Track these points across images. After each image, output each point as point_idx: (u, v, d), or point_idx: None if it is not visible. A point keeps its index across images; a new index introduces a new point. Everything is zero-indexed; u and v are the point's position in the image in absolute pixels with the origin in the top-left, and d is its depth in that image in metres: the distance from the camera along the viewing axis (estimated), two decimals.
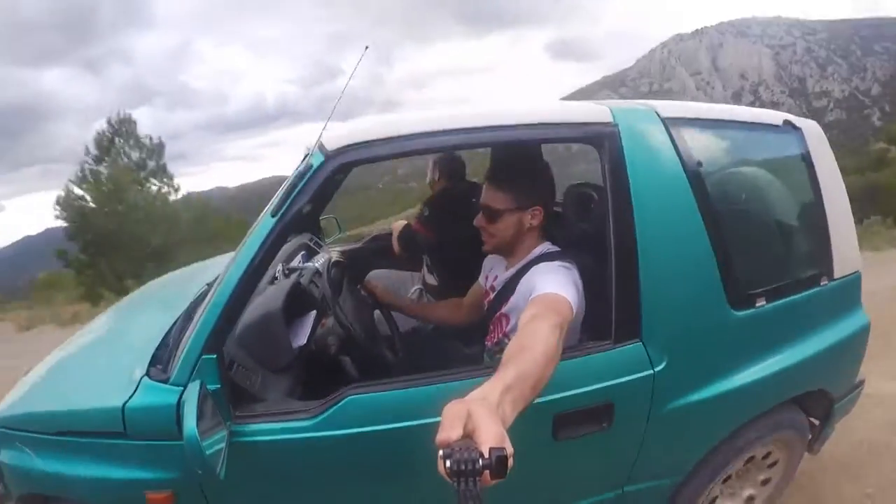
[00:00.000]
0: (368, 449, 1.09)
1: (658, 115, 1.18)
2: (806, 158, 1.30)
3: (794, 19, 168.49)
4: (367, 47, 1.26)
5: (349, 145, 1.07)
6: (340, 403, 1.07)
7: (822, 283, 1.33)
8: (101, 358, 1.47)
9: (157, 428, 1.08)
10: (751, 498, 1.56)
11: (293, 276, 1.55)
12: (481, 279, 1.52)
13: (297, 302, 1.44)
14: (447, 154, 2.11)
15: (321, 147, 1.07)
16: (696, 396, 1.22)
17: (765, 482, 1.57)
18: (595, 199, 1.38)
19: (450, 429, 0.55)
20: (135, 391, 1.13)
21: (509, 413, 0.65)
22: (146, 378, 1.15)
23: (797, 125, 1.31)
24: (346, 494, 1.16)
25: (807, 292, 1.31)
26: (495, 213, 1.26)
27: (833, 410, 1.49)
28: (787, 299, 1.28)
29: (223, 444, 1.01)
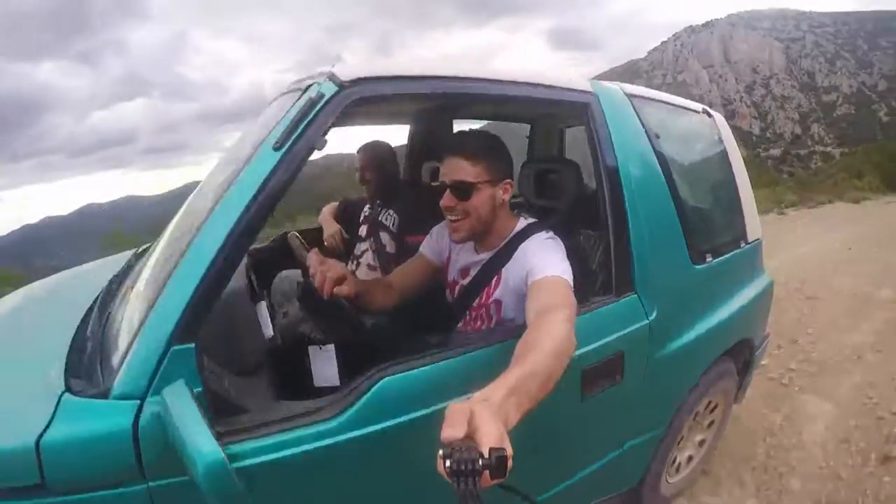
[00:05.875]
0: (414, 440, 0.87)
1: (624, 92, 1.33)
2: (720, 141, 1.60)
3: (800, 12, 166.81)
4: (338, 55, 1.17)
5: (370, 77, 0.91)
6: (372, 391, 0.86)
7: (741, 246, 1.61)
8: None
9: (101, 470, 0.74)
10: (702, 441, 1.80)
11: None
12: (429, 254, 1.36)
13: None
14: (372, 143, 1.95)
15: (332, 77, 0.90)
16: (678, 342, 1.35)
17: (710, 425, 1.81)
18: (551, 173, 1.47)
19: (451, 429, 0.55)
20: (52, 416, 0.75)
21: (512, 415, 0.65)
22: (68, 395, 0.79)
23: (711, 114, 1.61)
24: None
25: (734, 252, 1.58)
26: (469, 187, 1.11)
27: (753, 359, 1.76)
28: (724, 257, 1.53)
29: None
